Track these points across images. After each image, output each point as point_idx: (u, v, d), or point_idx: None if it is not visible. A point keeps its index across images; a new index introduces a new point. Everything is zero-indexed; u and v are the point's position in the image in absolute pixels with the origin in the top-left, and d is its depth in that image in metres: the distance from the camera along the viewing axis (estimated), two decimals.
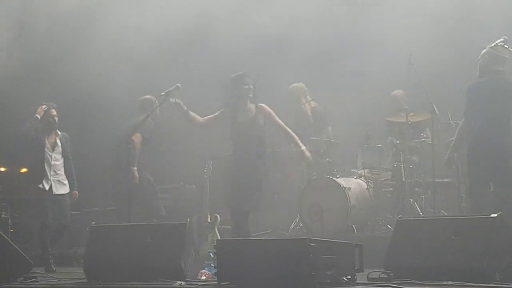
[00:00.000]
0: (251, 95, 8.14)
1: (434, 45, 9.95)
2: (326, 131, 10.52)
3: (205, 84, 10.11)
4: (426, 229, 6.36)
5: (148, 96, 10.00)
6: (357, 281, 6.26)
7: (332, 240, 6.76)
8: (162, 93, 8.15)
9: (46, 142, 9.69)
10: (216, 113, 8.34)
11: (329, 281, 5.98)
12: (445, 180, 9.35)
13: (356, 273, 6.31)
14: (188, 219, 7.09)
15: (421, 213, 9.30)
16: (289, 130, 8.32)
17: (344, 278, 6.23)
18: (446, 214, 8.99)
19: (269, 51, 10.78)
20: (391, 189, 9.93)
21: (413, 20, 10.00)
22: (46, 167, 9.62)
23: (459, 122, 8.93)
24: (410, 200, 9.48)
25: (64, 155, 9.80)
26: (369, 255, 6.82)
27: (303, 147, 8.36)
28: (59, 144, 9.78)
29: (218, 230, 9.57)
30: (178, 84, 8.18)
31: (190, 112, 8.39)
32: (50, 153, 9.69)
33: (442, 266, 6.01)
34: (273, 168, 10.53)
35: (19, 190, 12.36)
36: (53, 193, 9.61)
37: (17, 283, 7.09)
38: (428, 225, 6.48)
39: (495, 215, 5.99)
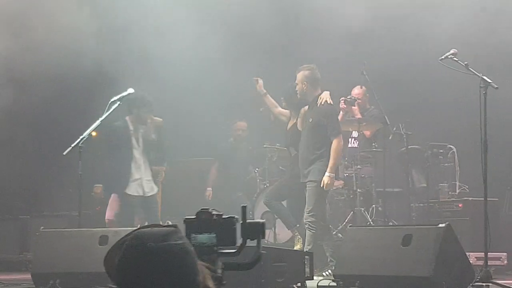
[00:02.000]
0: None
1: (387, 54, 10.01)
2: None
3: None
4: (376, 238, 6.42)
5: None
6: None
7: (283, 248, 6.80)
8: (115, 98, 8.07)
9: (133, 139, 8.55)
10: (288, 111, 8.55)
11: None
12: (395, 190, 9.45)
13: (306, 281, 6.34)
14: (139, 225, 7.03)
15: (371, 222, 9.39)
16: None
17: (294, 286, 6.26)
18: (396, 223, 9.09)
19: None
20: (343, 198, 9.98)
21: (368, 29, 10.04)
22: (133, 166, 8.47)
23: (410, 132, 9.05)
24: (361, 209, 9.55)
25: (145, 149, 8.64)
26: (319, 263, 6.86)
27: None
28: (142, 139, 8.60)
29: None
30: (131, 89, 8.13)
31: (269, 96, 8.63)
32: (136, 151, 8.56)
33: (391, 275, 6.08)
34: (225, 176, 10.55)
35: None
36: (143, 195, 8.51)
37: None
38: (378, 234, 6.55)
39: (443, 225, 6.09)
